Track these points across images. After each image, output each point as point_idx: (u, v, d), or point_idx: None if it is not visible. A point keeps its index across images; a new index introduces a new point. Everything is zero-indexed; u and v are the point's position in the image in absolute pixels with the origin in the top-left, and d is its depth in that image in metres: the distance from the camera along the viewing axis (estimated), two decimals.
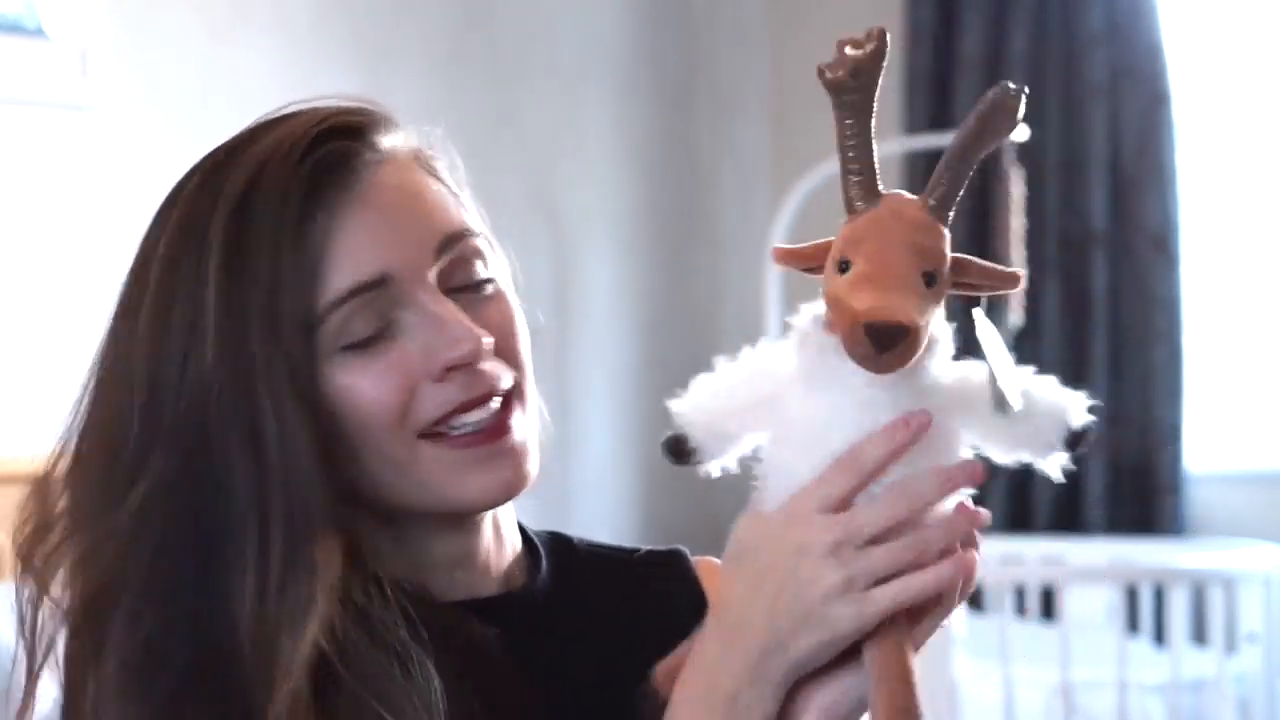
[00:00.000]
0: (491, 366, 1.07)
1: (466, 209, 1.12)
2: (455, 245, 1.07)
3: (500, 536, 1.15)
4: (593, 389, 4.22)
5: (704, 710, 0.98)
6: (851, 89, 0.98)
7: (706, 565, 1.21)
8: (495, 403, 1.07)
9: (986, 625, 3.76)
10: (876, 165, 0.99)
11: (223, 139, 1.12)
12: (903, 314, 0.93)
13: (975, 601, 4.09)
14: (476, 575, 1.12)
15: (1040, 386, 1.00)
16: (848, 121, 0.98)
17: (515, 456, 1.08)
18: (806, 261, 1.00)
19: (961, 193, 0.99)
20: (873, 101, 0.98)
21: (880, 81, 0.98)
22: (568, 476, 4.10)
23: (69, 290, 3.17)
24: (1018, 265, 3.84)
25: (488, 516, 1.12)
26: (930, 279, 0.95)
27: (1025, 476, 4.29)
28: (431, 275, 1.06)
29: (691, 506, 4.40)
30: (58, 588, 1.06)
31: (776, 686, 0.98)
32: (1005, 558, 3.93)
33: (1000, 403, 0.98)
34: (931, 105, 4.39)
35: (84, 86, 3.20)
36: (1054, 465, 1.02)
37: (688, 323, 4.51)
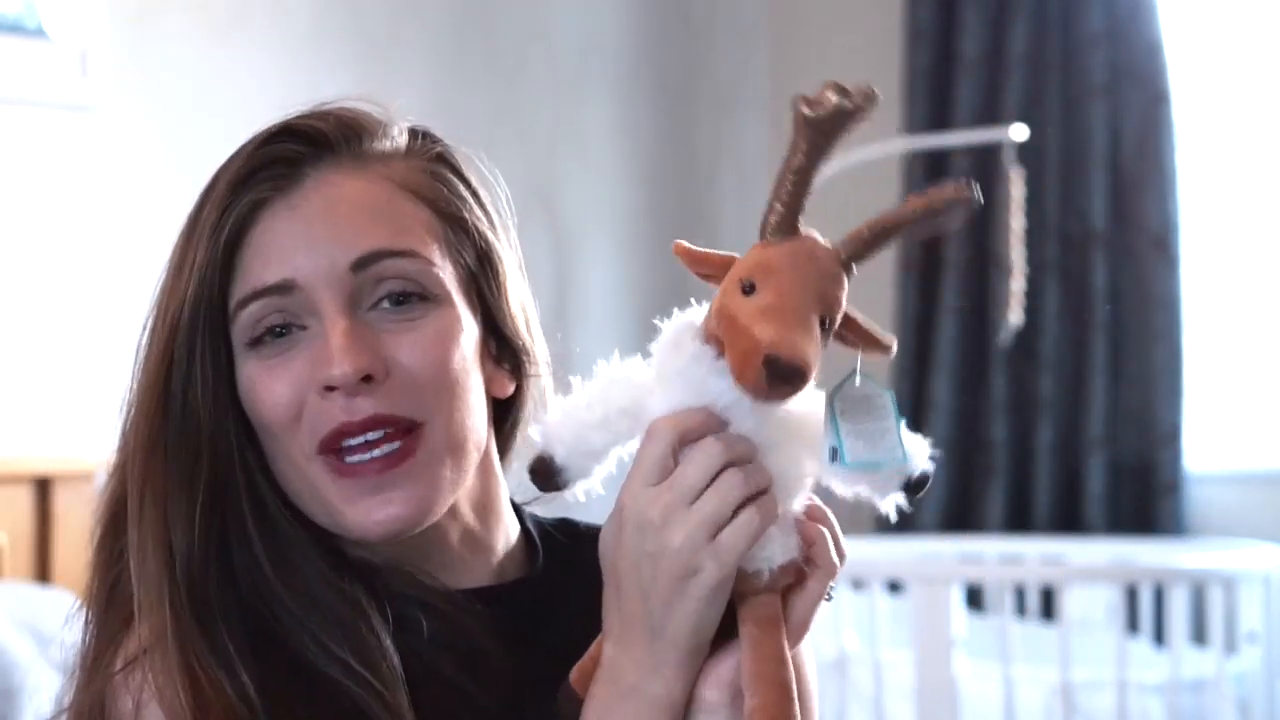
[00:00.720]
0: (373, 401, 1.06)
1: (428, 229, 1.11)
2: (374, 264, 1.08)
3: (486, 532, 1.15)
4: None
5: (616, 706, 1.00)
6: (821, 132, 0.99)
7: None
8: (383, 435, 1.07)
9: (986, 625, 3.76)
10: (803, 205, 1.01)
11: (222, 139, 1.13)
12: (804, 356, 0.95)
13: (975, 601, 4.09)
14: (454, 571, 1.13)
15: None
16: (798, 159, 0.99)
17: (397, 499, 1.07)
18: (705, 268, 1.03)
19: (871, 257, 1.01)
20: (829, 150, 0.99)
21: (843, 136, 1.00)
22: None
23: (69, 290, 3.17)
24: (1018, 265, 3.84)
25: (455, 520, 1.13)
26: (823, 323, 0.98)
27: (1025, 477, 4.29)
28: (340, 291, 1.07)
29: None
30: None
31: (676, 669, 1.00)
32: (1005, 558, 3.93)
33: (833, 454, 1.00)
34: (931, 105, 4.38)
35: (84, 86, 3.20)
36: (890, 505, 1.03)
37: None
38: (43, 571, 3.00)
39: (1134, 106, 4.18)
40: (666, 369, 1.01)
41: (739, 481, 0.97)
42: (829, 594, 1.03)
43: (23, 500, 2.97)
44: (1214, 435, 4.20)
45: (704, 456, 0.98)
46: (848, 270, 1.00)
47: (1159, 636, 3.85)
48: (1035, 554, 3.96)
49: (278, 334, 1.07)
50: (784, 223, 0.99)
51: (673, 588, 0.98)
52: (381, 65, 3.77)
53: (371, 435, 1.06)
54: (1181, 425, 4.10)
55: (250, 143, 1.10)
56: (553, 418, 1.04)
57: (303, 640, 1.06)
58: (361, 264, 1.07)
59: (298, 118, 1.11)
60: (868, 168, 4.24)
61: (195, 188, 1.12)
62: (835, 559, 1.02)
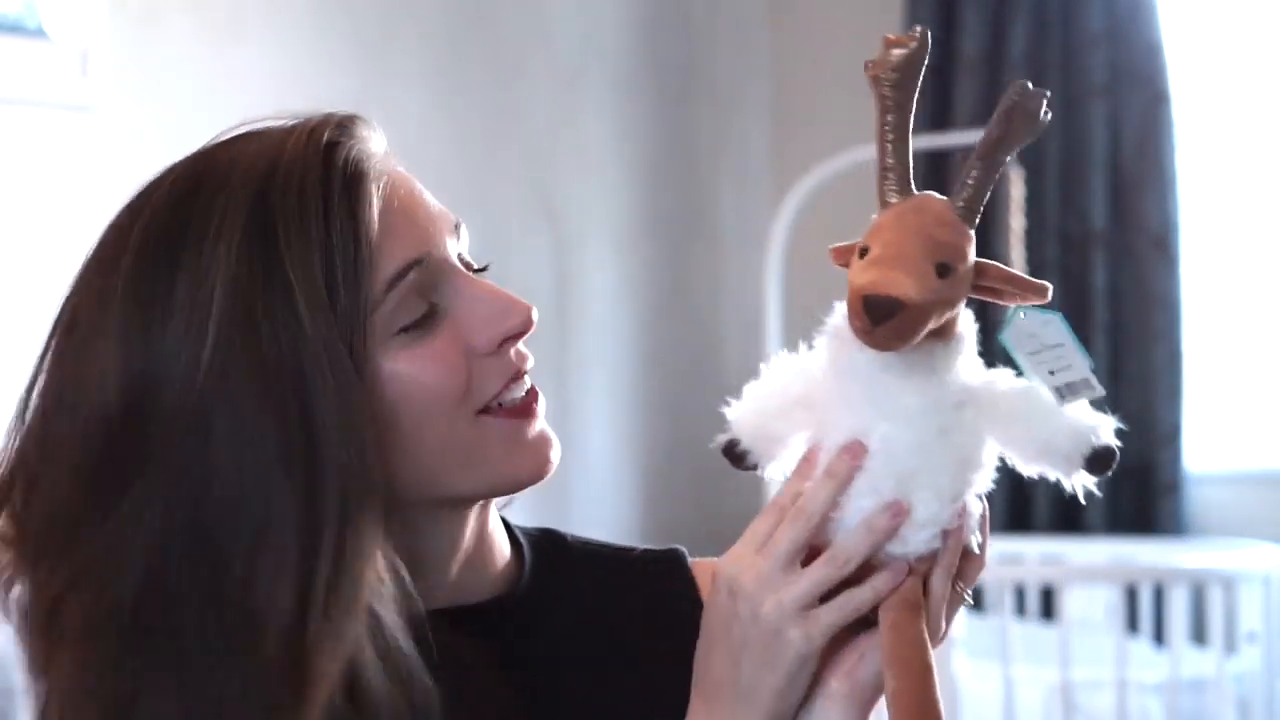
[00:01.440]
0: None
1: None
2: (460, 228, 1.09)
3: (484, 540, 1.13)
4: (593, 389, 4.22)
5: None
6: (893, 84, 1.00)
7: (704, 566, 1.21)
8: (528, 377, 1.09)
9: (986, 625, 3.76)
10: (911, 163, 1.01)
11: None
12: (897, 288, 0.95)
13: (975, 601, 4.09)
14: (457, 579, 1.10)
15: (1072, 406, 1.04)
16: (888, 118, 1.00)
17: (547, 435, 1.10)
18: (850, 257, 1.02)
19: (988, 194, 1.01)
20: (912, 99, 1.00)
21: (919, 81, 1.01)
22: (568, 476, 4.10)
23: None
24: (1018, 265, 3.84)
25: (473, 518, 1.11)
26: (944, 270, 0.97)
27: (1025, 477, 4.29)
28: (454, 256, 1.07)
29: (692, 506, 4.40)
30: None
31: None
32: (1005, 557, 3.93)
33: (1060, 394, 1.02)
34: (931, 105, 4.39)
35: (84, 86, 3.20)
36: (1076, 483, 1.08)
37: (688, 323, 4.51)
38: None
39: (1134, 106, 4.18)
40: (828, 359, 1.03)
41: (837, 556, 1.01)
42: (966, 594, 1.07)
43: None
44: (1214, 435, 4.20)
45: (797, 528, 1.01)
46: (967, 217, 1.00)
47: (1159, 636, 3.85)
48: (1035, 554, 3.96)
49: (420, 315, 1.03)
50: (895, 188, 1.00)
51: (761, 655, 1.01)
52: (381, 65, 3.77)
53: (528, 380, 1.09)
54: (1181, 425, 4.10)
55: (307, 147, 1.03)
56: (741, 404, 1.07)
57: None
58: (456, 228, 1.09)
59: (326, 116, 1.07)
60: (868, 167, 4.24)
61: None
62: (975, 550, 1.07)
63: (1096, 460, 1.04)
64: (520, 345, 1.08)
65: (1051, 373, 1.02)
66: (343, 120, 1.06)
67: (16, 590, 1.00)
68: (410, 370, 1.03)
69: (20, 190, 3.14)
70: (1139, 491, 4.15)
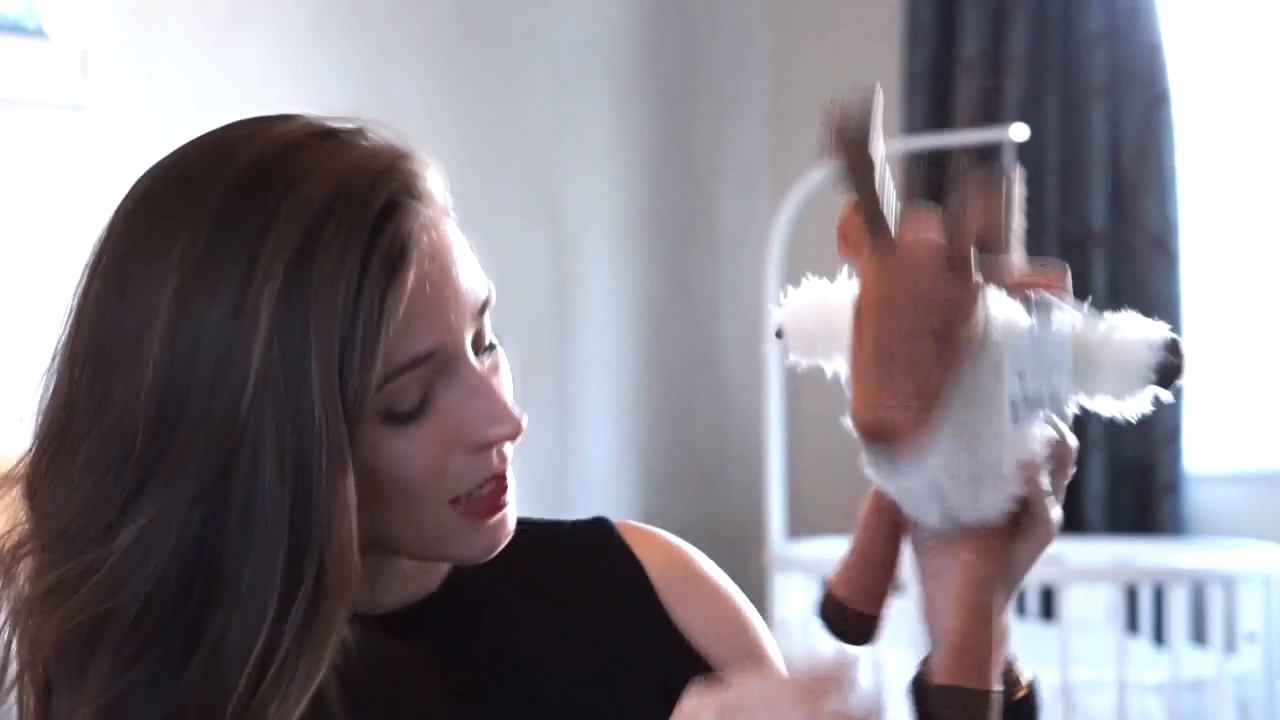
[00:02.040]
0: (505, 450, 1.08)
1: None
2: (483, 314, 1.06)
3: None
4: (593, 389, 4.22)
5: None
6: (849, 145, 0.95)
7: (630, 529, 1.23)
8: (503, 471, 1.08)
9: None
10: (886, 213, 0.95)
11: None
12: (882, 425, 0.92)
13: None
14: (394, 589, 1.12)
15: (1122, 320, 0.98)
16: (848, 178, 0.95)
17: (507, 521, 1.09)
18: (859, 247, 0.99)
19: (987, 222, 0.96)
20: (870, 160, 0.94)
21: (876, 138, 0.95)
22: (568, 476, 4.10)
23: (69, 290, 3.17)
24: (1018, 265, 3.84)
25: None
26: (942, 335, 0.92)
27: None
28: (469, 343, 1.05)
29: (691, 506, 4.40)
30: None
31: None
32: None
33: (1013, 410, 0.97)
34: (931, 105, 4.39)
35: (84, 86, 3.20)
36: (1141, 403, 0.99)
37: (688, 323, 4.51)
38: None
39: (1134, 107, 4.18)
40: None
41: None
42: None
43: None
44: (1214, 435, 4.20)
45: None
46: (959, 268, 0.93)
47: (1159, 636, 3.85)
48: None
49: (415, 404, 1.03)
50: (878, 241, 0.94)
51: None
52: (382, 66, 3.77)
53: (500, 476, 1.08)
54: (1181, 425, 4.10)
55: (360, 207, 1.00)
56: (792, 301, 1.06)
57: None
58: (480, 313, 1.06)
59: (392, 161, 1.03)
60: None
61: (101, 236, 1.06)
62: (1050, 517, 1.02)
63: (1165, 373, 0.99)
64: (506, 449, 1.07)
65: (1021, 374, 0.96)
66: (410, 176, 1.03)
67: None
68: (391, 449, 1.02)
69: (20, 190, 3.14)
70: (1139, 491, 4.15)
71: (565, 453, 4.09)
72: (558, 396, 4.09)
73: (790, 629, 3.73)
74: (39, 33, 3.14)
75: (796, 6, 4.73)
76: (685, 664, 1.15)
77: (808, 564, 3.77)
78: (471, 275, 1.05)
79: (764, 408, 4.02)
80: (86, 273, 1.07)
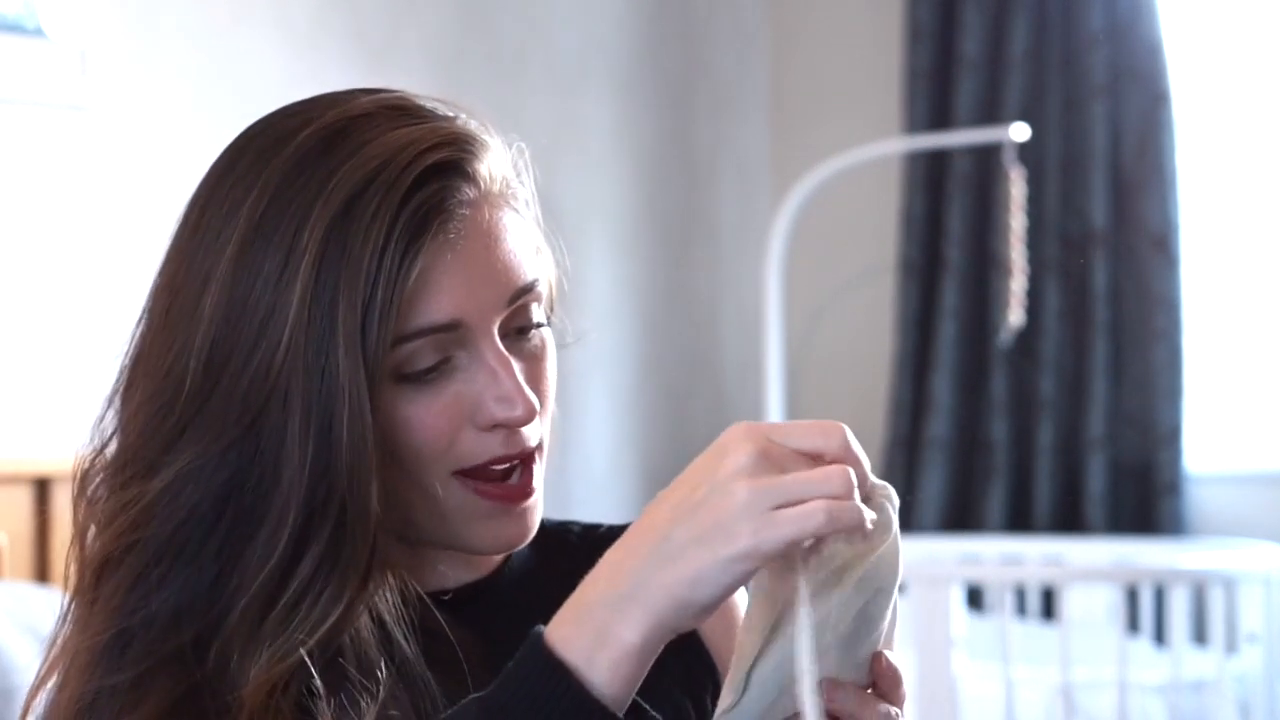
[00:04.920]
0: (530, 428, 1.09)
1: (538, 244, 1.15)
2: (520, 299, 1.09)
3: None
4: (593, 388, 4.22)
5: (571, 618, 0.92)
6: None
7: None
8: (523, 461, 1.09)
9: (986, 625, 3.76)
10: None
11: (223, 139, 1.11)
12: None
13: (975, 601, 4.09)
14: (443, 566, 1.14)
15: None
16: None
17: (529, 514, 1.10)
18: None
19: None
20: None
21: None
22: (568, 476, 4.10)
23: (69, 290, 3.17)
24: (1018, 265, 3.84)
25: None
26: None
27: (1025, 477, 4.29)
28: (497, 324, 1.08)
29: None
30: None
31: (648, 613, 0.89)
32: (1005, 558, 3.93)
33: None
34: (931, 105, 4.39)
35: (84, 86, 3.19)
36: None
37: (688, 323, 4.51)
38: (42, 572, 2.99)
39: (1134, 106, 4.18)
40: None
41: (822, 477, 0.89)
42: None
43: (23, 500, 2.97)
44: (1214, 435, 4.20)
45: (809, 435, 0.92)
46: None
47: (1159, 637, 3.85)
48: (1035, 554, 3.96)
49: (429, 367, 1.06)
50: None
51: (709, 528, 0.88)
52: (381, 65, 3.77)
53: (519, 463, 1.09)
54: (1181, 425, 4.10)
55: (401, 175, 1.05)
56: None
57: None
58: (514, 299, 1.08)
59: (443, 140, 1.08)
60: (868, 168, 4.24)
61: (195, 188, 1.10)
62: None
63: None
64: (528, 428, 1.08)
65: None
66: (461, 154, 1.08)
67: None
68: (406, 415, 1.06)
69: (20, 190, 3.14)
70: (1139, 491, 4.15)
71: (565, 453, 4.09)
72: (558, 397, 4.08)
73: None
74: (38, 33, 3.14)
75: (796, 6, 4.73)
76: (698, 659, 1.18)
77: None
78: (511, 260, 1.09)
79: (764, 408, 4.02)
80: (179, 221, 1.11)
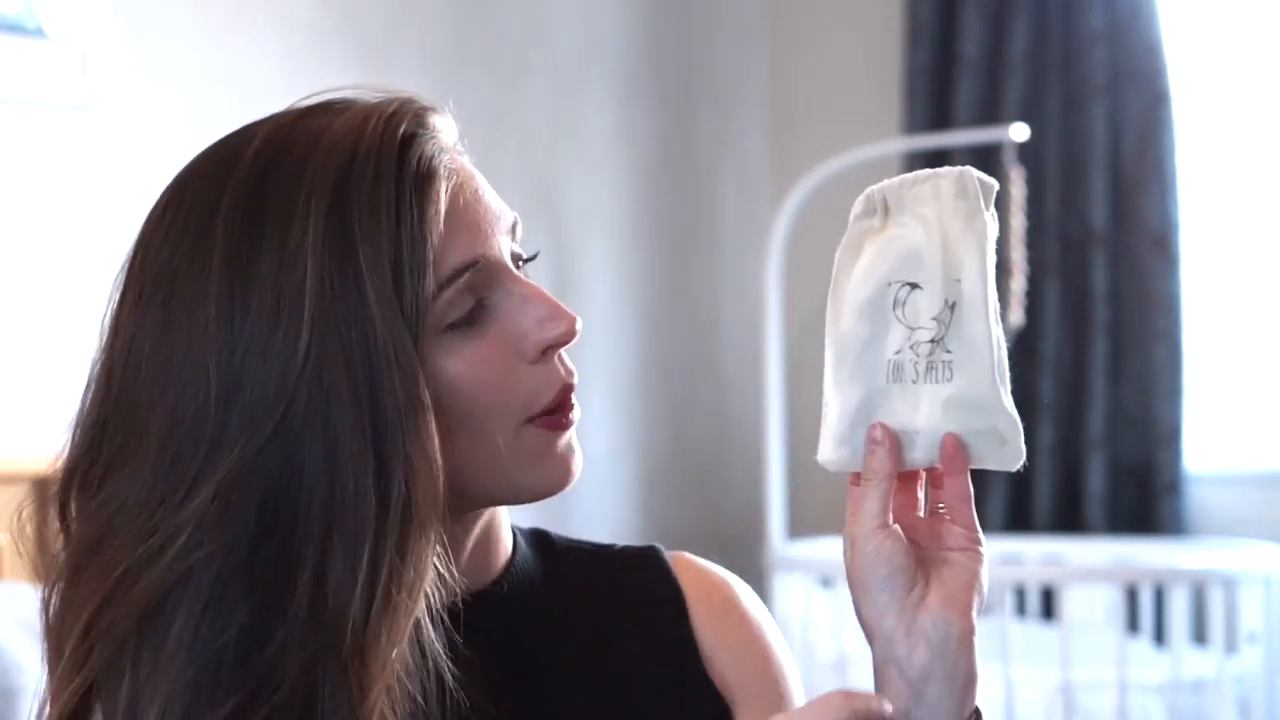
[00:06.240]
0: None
1: None
2: (517, 227, 1.12)
3: (490, 535, 1.15)
4: (593, 389, 4.22)
5: None
6: None
7: (681, 559, 1.24)
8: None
9: (986, 625, 3.75)
10: None
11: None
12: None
13: None
14: (464, 573, 1.12)
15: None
16: None
17: (574, 447, 1.11)
18: None
19: None
20: None
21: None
22: None
23: (70, 290, 3.17)
24: (1018, 265, 3.84)
25: (485, 514, 1.13)
26: None
27: (1025, 477, 4.29)
28: (508, 256, 1.09)
29: (691, 506, 4.40)
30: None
31: None
32: (1005, 558, 3.93)
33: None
34: (931, 105, 4.39)
35: (84, 86, 3.19)
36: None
37: (688, 323, 4.51)
38: None
39: (1134, 106, 4.18)
40: None
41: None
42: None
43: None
44: (1214, 435, 4.20)
45: None
46: None
47: (1159, 636, 3.85)
48: (1035, 554, 3.96)
49: (468, 313, 1.06)
50: None
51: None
52: (381, 66, 3.77)
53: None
54: (1181, 425, 4.10)
55: (383, 140, 1.06)
56: None
57: None
58: (514, 228, 1.11)
59: (404, 102, 1.11)
60: (868, 168, 4.24)
61: (136, 236, 1.08)
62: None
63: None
64: (566, 359, 1.10)
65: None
66: (419, 111, 1.10)
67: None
68: (460, 369, 1.05)
69: (20, 190, 3.14)
70: (1139, 491, 4.15)
71: None
72: None
73: (790, 629, 3.73)
74: (39, 33, 3.14)
75: (796, 6, 4.73)
76: (701, 688, 1.18)
77: (808, 564, 3.77)
78: (497, 196, 1.11)
79: (764, 408, 4.02)
80: (121, 286, 1.09)
